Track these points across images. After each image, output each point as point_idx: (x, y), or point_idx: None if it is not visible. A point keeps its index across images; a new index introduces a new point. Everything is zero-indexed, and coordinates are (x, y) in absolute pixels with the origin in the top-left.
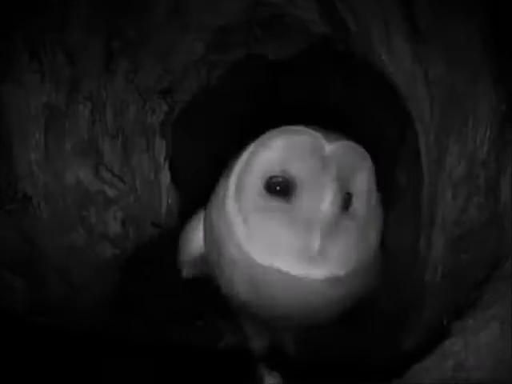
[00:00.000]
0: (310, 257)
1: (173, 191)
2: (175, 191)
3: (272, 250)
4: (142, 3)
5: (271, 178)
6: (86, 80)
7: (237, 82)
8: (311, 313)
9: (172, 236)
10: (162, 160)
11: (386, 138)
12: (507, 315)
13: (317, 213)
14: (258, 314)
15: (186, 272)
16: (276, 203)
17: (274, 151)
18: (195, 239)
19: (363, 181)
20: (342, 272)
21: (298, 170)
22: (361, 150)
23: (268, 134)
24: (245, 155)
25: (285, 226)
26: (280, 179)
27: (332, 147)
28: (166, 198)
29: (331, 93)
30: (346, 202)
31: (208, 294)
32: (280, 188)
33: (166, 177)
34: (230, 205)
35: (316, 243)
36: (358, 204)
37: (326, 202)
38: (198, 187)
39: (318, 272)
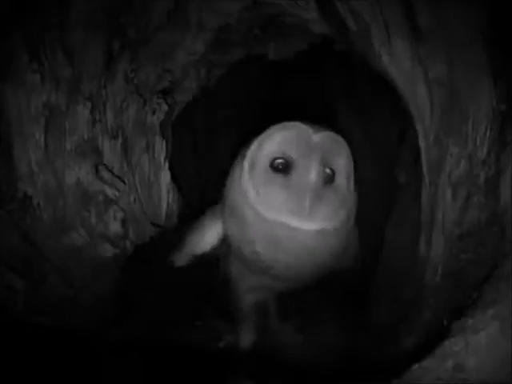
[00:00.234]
0: (303, 215)
1: (173, 191)
2: (175, 191)
3: (277, 210)
4: (142, 3)
5: (274, 159)
6: (86, 80)
7: (237, 82)
8: (306, 262)
9: (172, 236)
10: (162, 160)
11: (386, 137)
12: (507, 315)
13: (307, 183)
14: (273, 267)
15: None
16: (278, 177)
17: (276, 140)
18: (214, 227)
19: (343, 163)
20: (329, 227)
21: (294, 153)
22: (340, 139)
23: (271, 129)
24: (254, 144)
25: (285, 193)
26: (281, 160)
27: (317, 136)
28: (166, 198)
29: (331, 92)
30: (329, 177)
31: (207, 294)
32: (281, 166)
33: (166, 177)
34: (246, 180)
35: (307, 204)
36: (340, 180)
37: (313, 175)
38: (198, 187)
39: (310, 225)
